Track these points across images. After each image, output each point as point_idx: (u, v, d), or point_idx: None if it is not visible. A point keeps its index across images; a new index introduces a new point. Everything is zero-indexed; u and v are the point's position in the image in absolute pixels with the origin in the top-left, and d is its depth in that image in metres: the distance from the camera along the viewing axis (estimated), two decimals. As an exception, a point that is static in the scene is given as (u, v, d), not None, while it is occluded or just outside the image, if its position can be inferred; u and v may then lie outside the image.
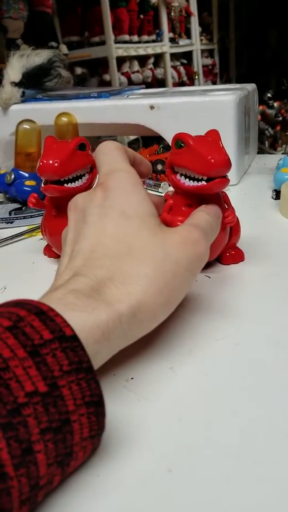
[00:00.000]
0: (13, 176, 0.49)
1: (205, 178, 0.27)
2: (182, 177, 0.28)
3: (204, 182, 0.27)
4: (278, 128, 1.38)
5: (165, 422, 0.19)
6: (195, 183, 0.27)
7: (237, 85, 0.60)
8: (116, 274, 0.20)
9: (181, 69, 2.20)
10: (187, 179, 0.28)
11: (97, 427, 0.16)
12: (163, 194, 0.32)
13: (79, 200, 0.25)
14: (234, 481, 0.16)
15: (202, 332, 0.25)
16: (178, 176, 0.28)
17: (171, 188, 0.33)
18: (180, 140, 0.27)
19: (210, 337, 0.24)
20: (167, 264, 0.21)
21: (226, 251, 0.32)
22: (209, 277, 0.31)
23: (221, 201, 0.29)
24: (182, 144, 0.27)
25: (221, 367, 0.22)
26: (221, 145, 0.27)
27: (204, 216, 0.25)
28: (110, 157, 0.25)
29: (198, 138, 0.27)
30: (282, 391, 0.20)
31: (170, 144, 0.30)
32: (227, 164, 0.26)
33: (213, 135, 0.28)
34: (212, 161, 0.26)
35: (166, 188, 0.50)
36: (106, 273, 0.20)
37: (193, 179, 0.27)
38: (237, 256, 0.33)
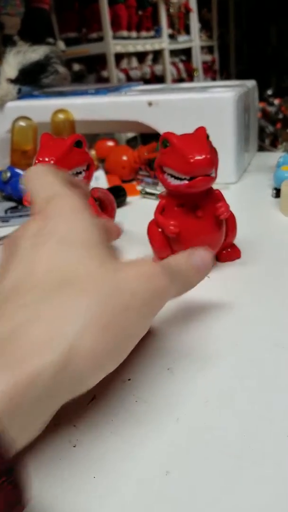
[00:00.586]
0: (9, 174, 0.48)
1: (187, 177, 0.27)
2: (169, 176, 0.28)
3: (186, 181, 0.27)
4: (279, 125, 1.38)
5: (163, 423, 0.19)
6: (179, 182, 0.27)
7: (237, 82, 0.59)
8: (43, 312, 0.16)
9: (180, 65, 2.19)
10: (172, 178, 0.28)
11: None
12: (161, 192, 0.32)
13: (13, 234, 0.21)
14: (233, 483, 0.16)
15: (200, 332, 0.25)
16: (165, 175, 0.29)
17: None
18: (166, 139, 0.28)
19: (208, 337, 0.24)
20: (117, 296, 0.17)
21: (222, 249, 0.32)
22: (208, 277, 0.31)
23: (214, 199, 0.29)
24: (168, 144, 0.27)
25: (220, 368, 0.22)
26: (205, 143, 0.27)
27: (179, 257, 0.22)
28: (45, 181, 0.22)
29: (183, 137, 0.27)
30: (282, 392, 0.20)
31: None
32: (207, 163, 0.26)
33: (200, 132, 0.28)
34: (192, 160, 0.26)
35: (164, 186, 0.50)
36: (25, 314, 0.16)
37: (178, 178, 0.27)
38: (234, 254, 0.32)
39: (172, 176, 0.28)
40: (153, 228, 0.31)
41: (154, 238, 0.31)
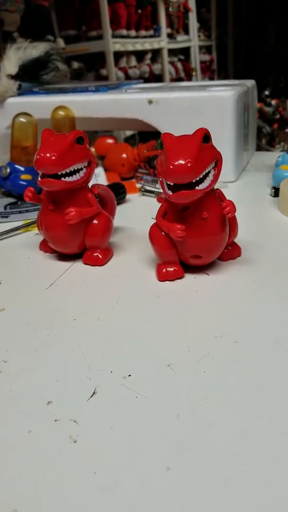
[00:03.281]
0: (8, 170, 0.48)
1: (171, 184, 0.26)
2: (164, 180, 0.27)
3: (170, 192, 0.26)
4: (276, 126, 1.38)
5: (163, 419, 0.19)
6: (168, 191, 0.26)
7: (236, 81, 0.59)
8: None
9: (179, 65, 2.18)
10: (165, 184, 0.27)
11: None
12: (160, 194, 0.32)
13: None
14: (232, 479, 0.16)
15: (200, 329, 0.25)
16: (161, 178, 0.27)
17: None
18: (161, 140, 0.26)
19: (208, 334, 0.24)
20: None
21: (224, 248, 0.32)
22: (208, 274, 0.31)
23: (217, 199, 0.29)
24: (163, 146, 0.26)
25: (219, 365, 0.22)
26: (195, 148, 0.25)
27: None
28: None
29: (177, 139, 0.26)
30: (281, 389, 0.20)
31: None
32: (186, 172, 0.24)
33: (196, 135, 0.26)
34: (171, 167, 0.24)
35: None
36: None
37: (168, 185, 0.26)
38: (235, 252, 0.32)
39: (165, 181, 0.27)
40: (155, 231, 0.29)
41: (158, 242, 0.29)
